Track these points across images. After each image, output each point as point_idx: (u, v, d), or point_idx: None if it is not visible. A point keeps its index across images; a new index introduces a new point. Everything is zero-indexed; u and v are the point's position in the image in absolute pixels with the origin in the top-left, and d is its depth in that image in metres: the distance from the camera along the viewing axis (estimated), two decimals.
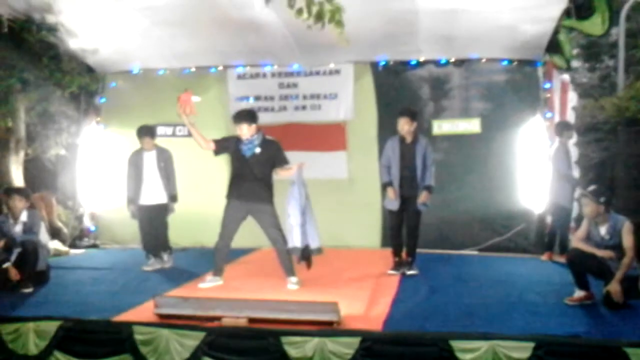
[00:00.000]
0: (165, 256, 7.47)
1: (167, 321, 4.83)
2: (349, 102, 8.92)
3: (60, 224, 8.87)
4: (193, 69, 9.28)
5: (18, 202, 6.29)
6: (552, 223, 7.80)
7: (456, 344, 4.34)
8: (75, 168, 9.50)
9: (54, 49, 8.43)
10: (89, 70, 9.22)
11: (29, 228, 6.30)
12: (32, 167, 9.44)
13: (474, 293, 5.86)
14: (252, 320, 4.69)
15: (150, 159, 7.33)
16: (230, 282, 6.36)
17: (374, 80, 8.88)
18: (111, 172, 9.14)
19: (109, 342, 4.84)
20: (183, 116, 6.39)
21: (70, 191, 9.58)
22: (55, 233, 8.58)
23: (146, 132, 7.31)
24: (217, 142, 6.43)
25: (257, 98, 9.20)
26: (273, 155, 6.28)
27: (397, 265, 6.86)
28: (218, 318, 4.74)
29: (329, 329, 4.61)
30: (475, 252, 8.37)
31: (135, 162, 7.36)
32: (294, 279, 6.20)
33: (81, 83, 8.95)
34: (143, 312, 5.13)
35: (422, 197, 6.73)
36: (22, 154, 9.22)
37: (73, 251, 8.76)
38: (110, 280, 6.69)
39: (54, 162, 9.68)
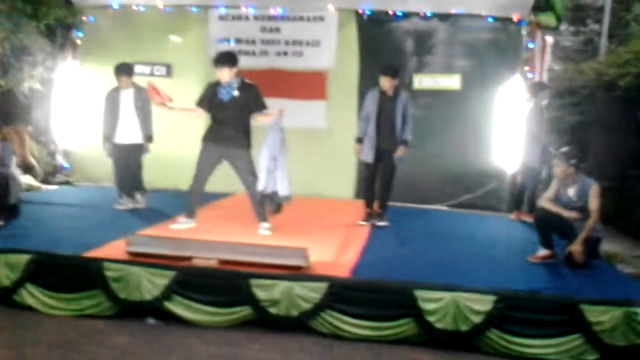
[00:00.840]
0: (139, 196, 7.47)
1: (138, 259, 4.87)
2: (332, 50, 8.83)
3: (32, 159, 8.76)
4: (174, 8, 9.06)
5: None
6: (521, 182, 7.93)
7: (420, 294, 4.47)
8: (49, 103, 9.35)
9: None
10: (67, 2, 8.97)
11: (1, 160, 6.21)
12: (5, 100, 9.26)
13: (441, 247, 6.00)
14: (222, 262, 4.76)
15: (127, 98, 7.23)
16: (202, 224, 6.39)
17: (358, 29, 8.79)
18: (86, 109, 9.02)
19: (79, 277, 4.89)
20: (160, 106, 6.38)
21: (44, 126, 9.45)
22: (27, 168, 8.48)
23: (124, 70, 7.20)
24: (200, 103, 6.40)
25: (238, 41, 9.06)
26: (251, 99, 6.24)
27: (368, 217, 6.95)
28: (189, 258, 4.79)
29: (298, 273, 4.70)
30: (445, 208, 8.52)
31: (112, 100, 7.27)
32: (265, 225, 6.26)
33: (57, 15, 8.75)
34: (114, 249, 5.15)
35: (399, 151, 6.78)
36: None
37: (45, 187, 8.70)
38: (82, 217, 6.69)
39: (28, 96, 9.49)
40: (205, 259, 4.73)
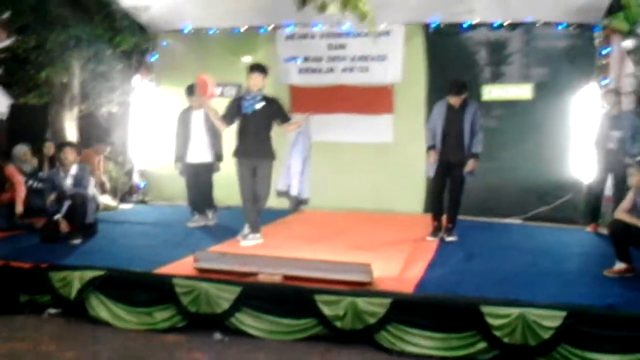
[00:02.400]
0: (210, 214, 7.65)
1: (205, 275, 4.99)
2: (398, 64, 8.80)
3: (105, 179, 9.15)
4: (243, 29, 9.30)
5: (69, 155, 6.52)
6: (598, 193, 7.61)
7: (486, 310, 4.35)
8: (126, 125, 9.76)
9: (106, 7, 8.61)
10: (141, 29, 9.37)
11: (79, 181, 6.53)
12: (85, 124, 9.75)
13: (511, 261, 5.82)
14: (287, 278, 4.80)
15: (198, 118, 7.44)
16: (270, 241, 6.48)
17: (425, 42, 8.74)
18: (161, 129, 9.34)
19: (151, 292, 5.04)
20: (204, 99, 6.50)
21: (121, 147, 9.86)
22: (101, 188, 8.86)
23: (194, 89, 7.41)
24: (223, 117, 6.53)
25: (305, 59, 9.20)
26: (275, 111, 6.43)
27: (436, 231, 6.85)
28: (254, 274, 4.86)
29: (362, 289, 4.68)
30: (519, 221, 8.26)
31: (184, 120, 7.51)
32: (257, 235, 6.40)
33: (133, 42, 9.12)
34: (183, 266, 5.30)
35: (469, 165, 6.64)
36: (75, 110, 9.56)
37: (122, 206, 9.05)
38: (154, 235, 6.93)
39: (107, 119, 9.95)
40: (270, 275, 4.78)
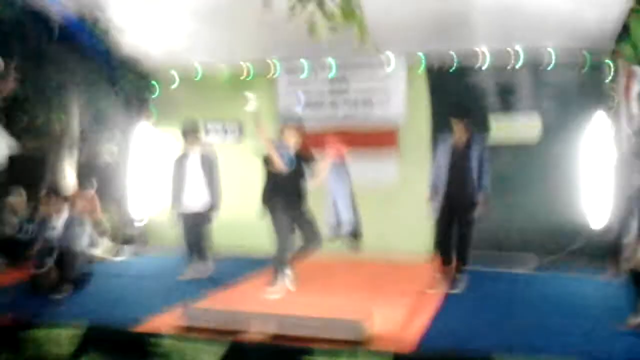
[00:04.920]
0: (206, 264, 7.29)
1: (188, 334, 4.63)
2: (401, 106, 8.51)
3: (105, 226, 8.86)
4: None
5: (53, 206, 6.23)
6: (615, 237, 7.15)
7: None
8: (126, 170, 9.52)
9: (104, 55, 8.47)
10: (140, 74, 9.20)
11: (68, 232, 6.22)
12: (84, 169, 9.53)
13: (522, 315, 5.40)
14: (276, 336, 4.43)
15: (194, 163, 7.15)
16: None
17: (427, 82, 8.45)
18: (162, 173, 9.07)
19: (132, 351, 4.69)
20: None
21: (120, 195, 9.59)
22: (101, 232, 8.56)
23: (190, 128, 7.18)
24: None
25: (306, 103, 8.94)
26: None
27: (442, 281, 6.43)
28: (241, 332, 4.50)
29: (357, 348, 4.29)
30: (529, 271, 7.77)
31: (179, 165, 7.19)
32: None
33: (132, 87, 8.96)
34: (168, 321, 4.94)
35: (480, 204, 6.30)
36: (75, 154, 9.33)
37: (115, 258, 8.72)
38: (145, 288, 6.62)
39: (106, 164, 9.72)
40: (258, 333, 4.41)
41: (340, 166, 6.41)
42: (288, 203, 6.20)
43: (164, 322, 4.98)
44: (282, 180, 6.21)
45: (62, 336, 4.81)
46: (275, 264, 6.26)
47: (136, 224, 9.50)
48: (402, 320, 5.12)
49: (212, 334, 4.61)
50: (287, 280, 6.27)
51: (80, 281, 6.36)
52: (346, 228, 6.31)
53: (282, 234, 6.18)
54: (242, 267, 7.71)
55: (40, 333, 4.94)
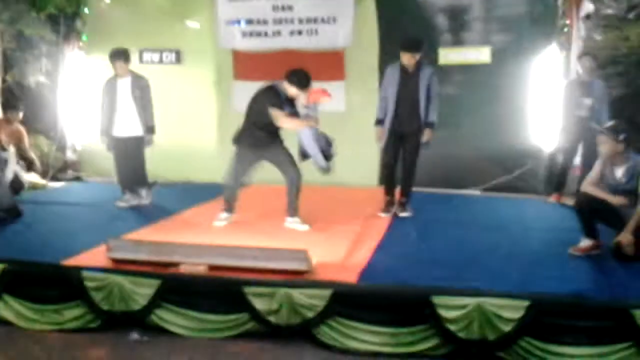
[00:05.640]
0: (143, 192, 6.95)
1: (121, 266, 4.35)
2: (349, 27, 8.13)
3: (33, 155, 8.32)
4: None
5: None
6: (562, 161, 7.15)
7: (439, 300, 3.82)
8: (56, 96, 8.92)
9: None
10: None
11: None
12: (9, 95, 8.87)
13: (468, 240, 5.30)
14: (212, 268, 4.19)
15: (124, 87, 6.70)
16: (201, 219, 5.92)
17: (376, 2, 8.06)
18: (94, 100, 8.52)
19: (59, 287, 4.40)
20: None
21: (52, 120, 9.02)
22: (28, 164, 8.06)
23: (118, 55, 6.67)
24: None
25: (248, 22, 8.43)
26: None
27: (389, 206, 6.31)
28: (175, 264, 4.24)
29: (298, 278, 4.10)
30: (478, 192, 7.78)
31: (109, 90, 6.76)
32: (296, 219, 5.79)
33: (57, 4, 8.25)
34: (99, 255, 4.63)
35: (425, 135, 6.13)
36: None
37: (51, 184, 8.26)
38: (77, 218, 6.27)
39: (34, 90, 9.07)
40: (193, 265, 4.16)
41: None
42: (261, 141, 5.80)
43: (94, 255, 4.66)
44: (261, 125, 5.76)
45: None
46: (226, 194, 5.96)
47: (70, 151, 8.98)
48: (347, 247, 4.95)
49: (146, 267, 4.33)
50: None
51: (9, 213, 5.92)
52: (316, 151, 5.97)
53: (239, 167, 5.85)
54: (186, 195, 7.42)
55: None
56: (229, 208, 5.97)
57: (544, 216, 6.40)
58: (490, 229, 5.75)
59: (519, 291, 3.89)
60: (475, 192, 7.81)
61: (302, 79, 5.67)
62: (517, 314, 3.72)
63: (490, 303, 3.75)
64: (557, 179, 7.28)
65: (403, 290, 3.97)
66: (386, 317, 3.91)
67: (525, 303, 3.72)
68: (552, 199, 7.13)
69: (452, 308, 3.79)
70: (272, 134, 5.81)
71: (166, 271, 4.24)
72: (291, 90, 5.71)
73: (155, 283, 4.14)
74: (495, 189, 7.80)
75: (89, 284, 4.25)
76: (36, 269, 4.45)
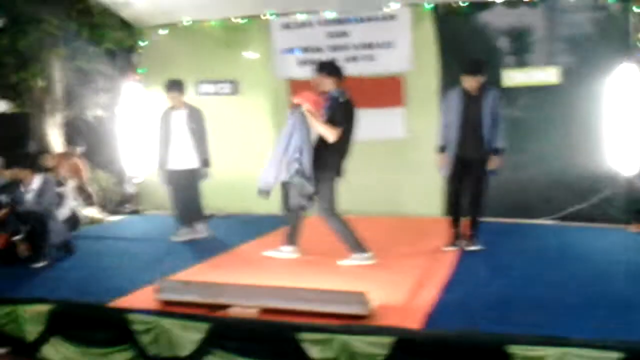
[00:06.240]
0: (200, 226, 6.78)
1: (169, 308, 4.11)
2: (407, 51, 7.83)
3: (91, 189, 8.32)
4: (238, 20, 8.37)
5: (20, 173, 5.67)
6: None
7: (515, 350, 3.38)
8: (115, 130, 8.94)
9: (82, 2, 7.80)
10: (123, 24, 8.51)
11: (40, 197, 5.67)
12: (70, 130, 8.96)
13: (545, 277, 4.83)
14: (265, 311, 3.89)
15: (179, 119, 6.59)
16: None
17: (435, 25, 7.74)
18: (152, 133, 8.49)
19: (106, 329, 4.19)
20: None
21: (111, 154, 9.04)
22: (86, 197, 8.05)
23: (173, 86, 6.58)
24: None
25: (304, 50, 8.26)
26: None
27: (455, 239, 5.89)
28: (225, 307, 3.96)
29: (357, 324, 3.75)
30: (551, 222, 7.26)
31: (164, 122, 6.66)
32: (359, 255, 5.39)
33: (114, 38, 8.30)
34: (149, 294, 4.41)
35: (493, 162, 5.72)
36: (59, 115, 8.76)
37: (110, 218, 8.21)
38: (132, 253, 6.12)
39: (93, 124, 9.14)
40: (244, 308, 3.88)
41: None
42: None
43: (147, 295, 4.44)
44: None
45: (25, 314, 4.29)
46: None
47: (128, 185, 8.95)
48: (411, 286, 4.57)
49: (195, 308, 4.07)
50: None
51: (61, 250, 5.85)
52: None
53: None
54: (243, 228, 7.31)
55: (4, 310, 4.43)
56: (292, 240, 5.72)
57: (628, 248, 5.84)
58: (569, 263, 5.26)
59: (609, 338, 3.41)
60: (547, 221, 7.29)
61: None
62: None
63: (576, 354, 3.29)
64: (638, 207, 6.69)
65: (474, 337, 3.55)
66: None
67: (616, 355, 3.24)
68: (634, 228, 6.56)
69: (530, 359, 3.35)
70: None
71: (216, 314, 3.96)
72: None
73: (204, 327, 3.87)
74: (569, 218, 7.27)
75: (135, 327, 4.03)
76: (83, 311, 4.26)
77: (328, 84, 5.51)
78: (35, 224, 5.46)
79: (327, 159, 5.39)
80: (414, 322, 3.80)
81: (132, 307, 4.20)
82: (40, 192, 5.68)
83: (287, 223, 5.75)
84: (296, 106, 5.46)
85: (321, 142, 5.41)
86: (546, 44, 7.66)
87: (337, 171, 5.45)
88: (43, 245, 5.53)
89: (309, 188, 5.31)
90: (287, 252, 5.71)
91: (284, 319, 3.83)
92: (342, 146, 5.43)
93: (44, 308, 4.29)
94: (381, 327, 3.69)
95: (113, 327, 4.15)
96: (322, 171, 5.40)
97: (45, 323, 4.28)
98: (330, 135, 5.33)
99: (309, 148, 5.38)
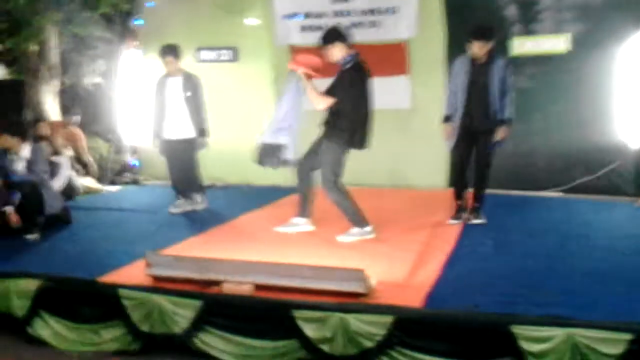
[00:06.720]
0: (198, 197, 6.62)
1: (160, 284, 3.97)
2: (412, 17, 7.55)
3: (90, 158, 8.16)
4: None
5: (6, 142, 5.48)
6: None
7: (520, 331, 3.23)
8: (113, 97, 8.74)
9: None
10: None
11: (31, 165, 5.49)
12: (68, 97, 8.77)
13: (551, 253, 4.65)
14: (259, 287, 3.74)
15: (174, 86, 6.37)
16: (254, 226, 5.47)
17: None
18: (152, 102, 8.30)
19: (96, 305, 4.06)
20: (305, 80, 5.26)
21: (110, 122, 8.85)
22: (84, 167, 7.90)
23: (168, 51, 6.33)
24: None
25: (306, 15, 7.99)
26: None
27: (459, 212, 5.72)
28: (218, 283, 3.82)
29: (354, 302, 3.60)
30: (559, 194, 7.07)
31: (159, 90, 6.45)
32: (367, 229, 5.19)
33: (110, 2, 8.04)
34: (142, 268, 4.27)
35: (500, 133, 5.51)
36: (55, 82, 8.57)
37: (107, 188, 8.06)
38: (128, 225, 6.00)
39: (91, 91, 8.94)
40: (238, 284, 3.73)
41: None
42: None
43: (135, 269, 4.30)
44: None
45: (17, 289, 4.16)
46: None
47: (128, 154, 8.79)
48: (412, 262, 4.41)
49: (187, 284, 3.93)
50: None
51: (58, 219, 5.71)
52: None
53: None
54: (243, 199, 7.16)
55: None
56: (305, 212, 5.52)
57: (637, 223, 5.65)
58: (577, 238, 5.08)
59: (619, 319, 3.25)
60: (554, 194, 7.11)
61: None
62: (616, 349, 3.10)
63: (583, 335, 3.14)
64: None
65: (477, 317, 3.40)
66: (456, 348, 3.34)
67: (627, 336, 3.09)
68: None
69: (536, 340, 3.20)
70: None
71: (209, 290, 3.82)
72: None
73: (196, 304, 3.74)
74: (577, 190, 7.08)
75: (126, 302, 3.89)
76: (72, 286, 4.12)
77: (336, 53, 5.24)
78: (27, 194, 5.28)
79: (334, 127, 5.16)
80: (414, 300, 3.64)
81: (123, 282, 4.06)
82: (31, 161, 5.49)
83: (297, 192, 5.56)
84: (292, 71, 5.26)
85: (331, 109, 5.18)
86: (555, 11, 7.36)
87: (349, 141, 5.15)
88: (35, 216, 5.37)
89: (290, 155, 5.15)
90: (300, 226, 5.49)
91: (279, 296, 3.69)
92: (353, 114, 5.13)
93: (32, 283, 4.14)
94: (380, 305, 3.54)
95: (103, 302, 4.02)
96: (328, 139, 5.19)
97: (34, 299, 4.15)
98: (319, 103, 5.14)
99: (295, 113, 5.21)
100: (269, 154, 5.22)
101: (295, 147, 5.21)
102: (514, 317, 3.32)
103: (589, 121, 7.01)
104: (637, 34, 6.76)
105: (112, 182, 8.44)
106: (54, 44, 8.33)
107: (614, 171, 7.02)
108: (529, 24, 7.35)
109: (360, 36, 7.58)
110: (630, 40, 6.78)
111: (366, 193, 5.91)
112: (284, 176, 6.01)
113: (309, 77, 5.22)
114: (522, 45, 7.27)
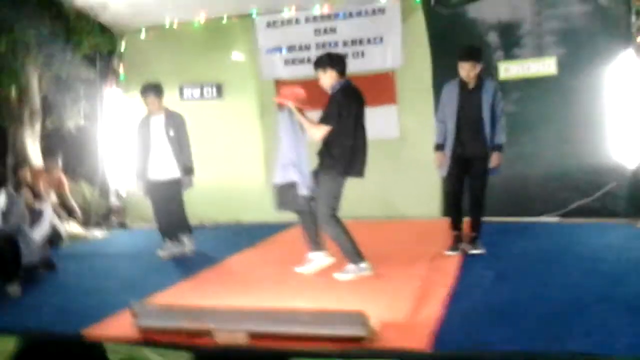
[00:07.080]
0: (185, 239, 6.39)
1: (148, 335, 3.73)
2: (397, 46, 7.48)
3: (73, 203, 7.93)
4: (224, 19, 7.98)
5: None
6: None
7: None
8: (97, 139, 8.55)
9: (56, 7, 7.42)
10: (101, 28, 8.12)
11: (5, 216, 5.22)
12: (51, 141, 8.57)
13: (560, 281, 4.47)
14: (253, 336, 3.52)
15: (158, 125, 6.20)
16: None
17: (426, 18, 7.38)
18: (135, 141, 8.13)
19: None
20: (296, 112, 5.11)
21: (94, 165, 8.64)
22: (69, 212, 7.67)
23: (149, 90, 6.17)
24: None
25: (290, 49, 7.91)
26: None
27: (457, 243, 5.54)
28: (209, 332, 3.59)
29: (356, 346, 3.38)
30: (555, 219, 6.92)
31: (142, 129, 6.28)
32: (363, 265, 4.94)
33: (92, 43, 7.92)
34: (127, 320, 4.03)
35: (494, 159, 5.38)
36: (38, 126, 8.37)
37: (93, 233, 7.80)
38: (114, 272, 5.77)
39: (74, 134, 8.74)
40: (231, 333, 3.50)
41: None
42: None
43: (121, 320, 4.06)
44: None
45: None
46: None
47: (113, 197, 8.57)
48: (413, 299, 4.20)
49: (177, 335, 3.70)
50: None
51: (40, 269, 5.47)
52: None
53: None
54: (233, 239, 6.98)
55: None
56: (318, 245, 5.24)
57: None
58: (581, 264, 4.92)
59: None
60: (550, 219, 6.96)
61: None
62: None
63: None
64: None
65: (487, 357, 3.19)
66: None
67: None
68: None
69: None
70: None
71: (200, 341, 3.59)
72: None
73: (186, 356, 3.50)
74: (573, 214, 6.94)
75: (112, 357, 3.64)
76: (53, 343, 3.87)
77: (326, 80, 5.09)
78: (1, 246, 5.02)
79: (328, 157, 4.96)
80: (419, 341, 3.42)
81: (110, 334, 3.82)
82: (6, 212, 5.23)
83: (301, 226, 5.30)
84: (281, 106, 5.11)
85: (324, 138, 5.00)
86: (539, 35, 7.33)
87: (344, 170, 4.95)
88: (13, 267, 5.11)
89: (303, 190, 4.96)
90: (319, 261, 5.19)
91: (275, 344, 3.46)
92: (346, 139, 4.93)
93: (8, 341, 3.88)
94: (383, 349, 3.32)
95: (87, 358, 3.76)
96: (323, 171, 5.00)
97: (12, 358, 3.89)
98: (314, 133, 4.96)
99: (297, 146, 5.04)
100: (285, 195, 5.02)
101: (307, 180, 5.00)
102: (527, 355, 3.11)
103: (581, 143, 6.93)
104: (622, 54, 6.71)
105: (98, 226, 8.20)
106: (35, 88, 8.15)
107: (609, 193, 6.91)
108: (511, 49, 7.31)
109: (347, 67, 7.60)
110: (616, 61, 6.72)
111: (360, 225, 5.72)
112: (273, 214, 5.80)
113: (299, 109, 5.06)
114: (507, 70, 7.22)
